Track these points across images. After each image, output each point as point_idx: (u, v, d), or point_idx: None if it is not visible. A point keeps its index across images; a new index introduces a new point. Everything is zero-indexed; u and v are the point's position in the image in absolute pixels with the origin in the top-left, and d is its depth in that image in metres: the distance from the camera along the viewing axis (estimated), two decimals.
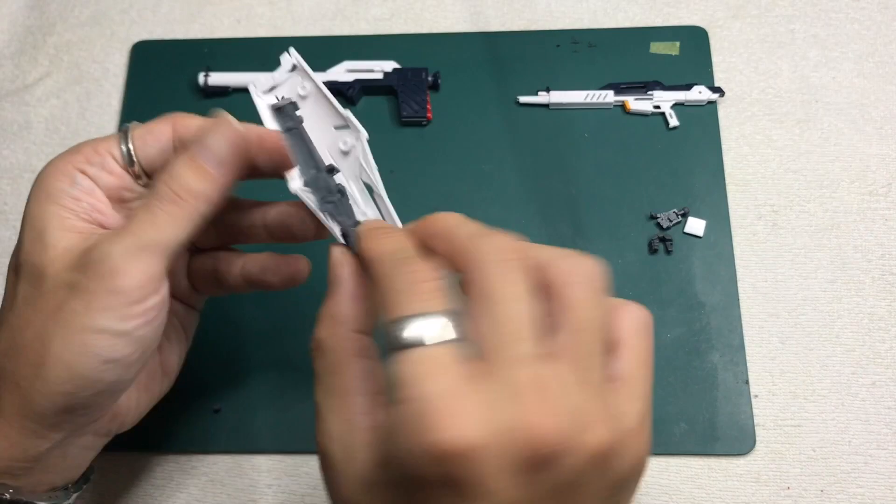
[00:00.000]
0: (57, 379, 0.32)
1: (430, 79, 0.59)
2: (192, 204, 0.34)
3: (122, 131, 0.37)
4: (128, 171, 0.37)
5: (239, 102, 0.60)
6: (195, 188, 0.34)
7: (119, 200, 0.37)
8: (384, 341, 0.27)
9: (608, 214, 0.56)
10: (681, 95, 0.58)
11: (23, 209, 0.58)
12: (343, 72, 0.60)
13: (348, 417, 0.29)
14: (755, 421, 0.50)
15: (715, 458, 0.49)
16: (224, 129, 0.36)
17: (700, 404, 0.50)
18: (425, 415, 0.24)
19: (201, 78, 0.60)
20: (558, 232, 0.55)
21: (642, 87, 0.59)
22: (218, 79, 0.60)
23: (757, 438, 0.50)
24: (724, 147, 0.57)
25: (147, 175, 0.37)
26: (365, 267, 0.32)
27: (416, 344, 0.26)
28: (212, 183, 0.35)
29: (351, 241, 0.35)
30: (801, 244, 0.55)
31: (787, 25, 0.61)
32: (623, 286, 0.53)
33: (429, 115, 0.58)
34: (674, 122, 0.58)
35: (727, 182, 0.56)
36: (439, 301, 0.27)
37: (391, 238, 0.31)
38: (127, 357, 0.33)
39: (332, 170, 0.37)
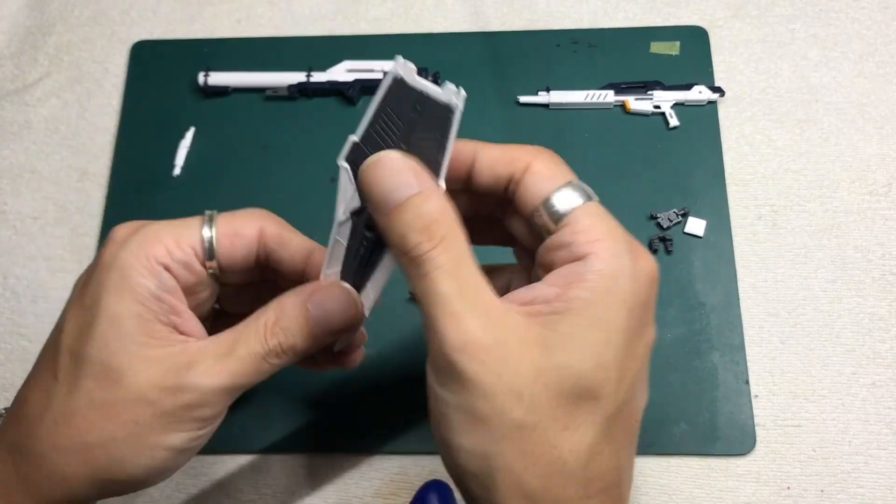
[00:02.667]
0: (112, 484, 0.33)
1: (430, 79, 0.59)
2: (292, 359, 0.34)
3: (206, 221, 0.35)
4: (204, 266, 0.35)
5: (239, 102, 0.60)
6: (301, 350, 0.34)
7: (189, 293, 0.36)
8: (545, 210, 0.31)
9: None
10: (681, 95, 0.58)
11: (23, 209, 0.59)
12: (343, 72, 0.60)
13: (506, 312, 0.29)
14: (755, 421, 0.50)
15: (715, 458, 0.49)
16: (345, 302, 0.34)
17: (700, 404, 0.50)
18: (641, 248, 0.31)
19: (201, 78, 0.60)
20: None
21: (642, 87, 0.59)
22: (218, 79, 0.60)
23: (757, 438, 0.50)
24: (724, 147, 0.57)
25: (221, 271, 0.36)
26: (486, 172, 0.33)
27: (580, 202, 0.31)
28: (316, 347, 0.35)
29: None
30: (802, 244, 0.55)
31: (787, 25, 0.61)
32: None
33: None
34: (674, 122, 0.58)
35: (727, 182, 0.56)
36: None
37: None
38: (183, 463, 0.35)
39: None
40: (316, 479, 0.50)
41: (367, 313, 0.35)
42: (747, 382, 0.51)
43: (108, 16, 0.65)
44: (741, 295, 0.53)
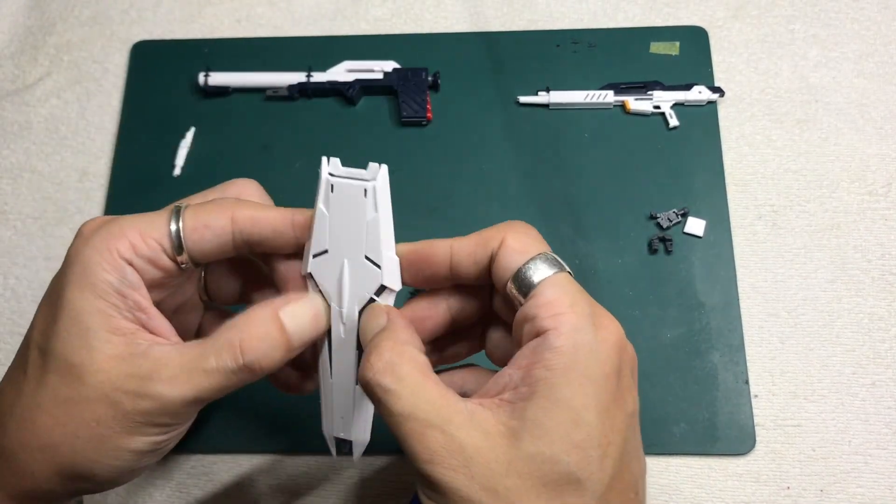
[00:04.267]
0: (80, 482, 0.33)
1: (430, 79, 0.59)
2: (263, 373, 0.33)
3: (173, 215, 0.34)
4: (175, 261, 0.34)
5: (239, 102, 0.60)
6: (278, 363, 0.33)
7: (159, 286, 0.35)
8: (515, 285, 0.32)
9: (608, 214, 0.56)
10: (681, 95, 0.58)
11: (23, 209, 0.59)
12: (343, 72, 0.60)
13: (469, 413, 0.29)
14: (755, 421, 0.50)
15: (715, 458, 0.49)
16: (316, 310, 0.35)
17: (700, 404, 0.50)
18: (606, 317, 0.31)
19: (201, 78, 0.60)
20: (558, 232, 0.55)
21: (642, 87, 0.59)
22: (218, 79, 0.60)
23: (757, 438, 0.50)
24: (723, 147, 0.57)
25: (195, 263, 0.35)
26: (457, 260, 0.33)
27: (549, 274, 0.31)
28: (289, 359, 0.34)
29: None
30: (801, 244, 0.55)
31: (786, 25, 0.61)
32: (623, 286, 0.53)
33: (429, 115, 0.58)
34: (674, 122, 0.58)
35: (727, 182, 0.56)
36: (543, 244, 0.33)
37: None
38: (152, 464, 0.35)
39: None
40: (316, 480, 0.50)
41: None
42: (747, 382, 0.51)
43: (108, 16, 0.65)
44: (741, 295, 0.53)
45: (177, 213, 0.34)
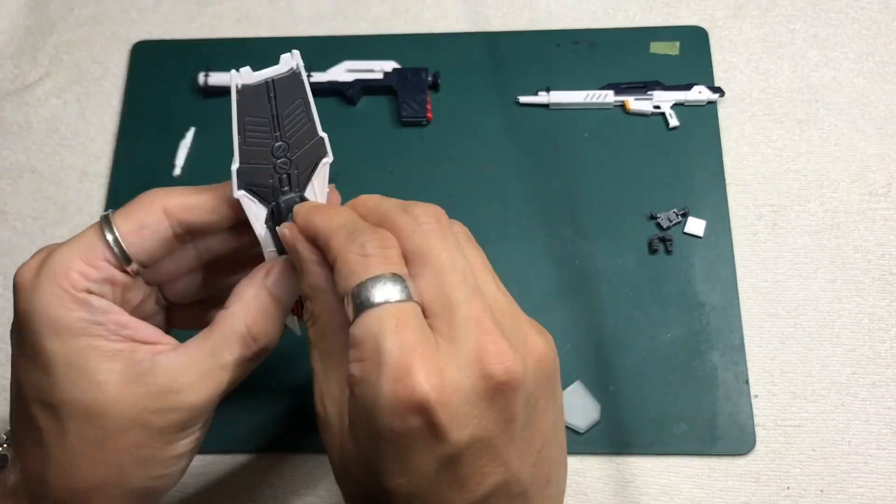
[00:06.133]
0: (148, 497, 0.35)
1: (430, 79, 0.59)
2: (263, 349, 0.35)
3: (103, 226, 0.33)
4: (125, 271, 0.33)
5: None
6: (278, 336, 0.35)
7: (126, 301, 0.35)
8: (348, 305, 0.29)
9: (608, 214, 0.56)
10: (681, 95, 0.58)
11: (23, 209, 0.59)
12: (343, 72, 0.60)
13: (341, 378, 0.31)
14: (755, 421, 0.50)
15: (715, 458, 0.49)
16: (293, 274, 0.34)
17: (700, 404, 0.50)
18: (402, 367, 0.27)
19: (201, 78, 0.60)
20: (558, 232, 0.55)
21: (642, 87, 0.59)
22: (218, 79, 0.60)
23: (757, 438, 0.50)
24: (724, 147, 0.57)
25: (144, 266, 0.34)
26: (315, 241, 0.32)
27: (383, 303, 0.28)
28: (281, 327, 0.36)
29: (280, 220, 0.35)
30: (801, 244, 0.55)
31: (787, 25, 0.61)
32: (623, 286, 0.53)
33: (429, 115, 0.58)
34: (674, 122, 0.58)
35: (727, 182, 0.56)
36: (396, 265, 0.30)
37: (341, 212, 0.33)
38: (187, 466, 0.36)
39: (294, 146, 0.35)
40: (316, 479, 0.50)
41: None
42: (747, 382, 0.51)
43: (107, 16, 0.65)
44: (741, 295, 0.53)
45: (107, 224, 0.33)
